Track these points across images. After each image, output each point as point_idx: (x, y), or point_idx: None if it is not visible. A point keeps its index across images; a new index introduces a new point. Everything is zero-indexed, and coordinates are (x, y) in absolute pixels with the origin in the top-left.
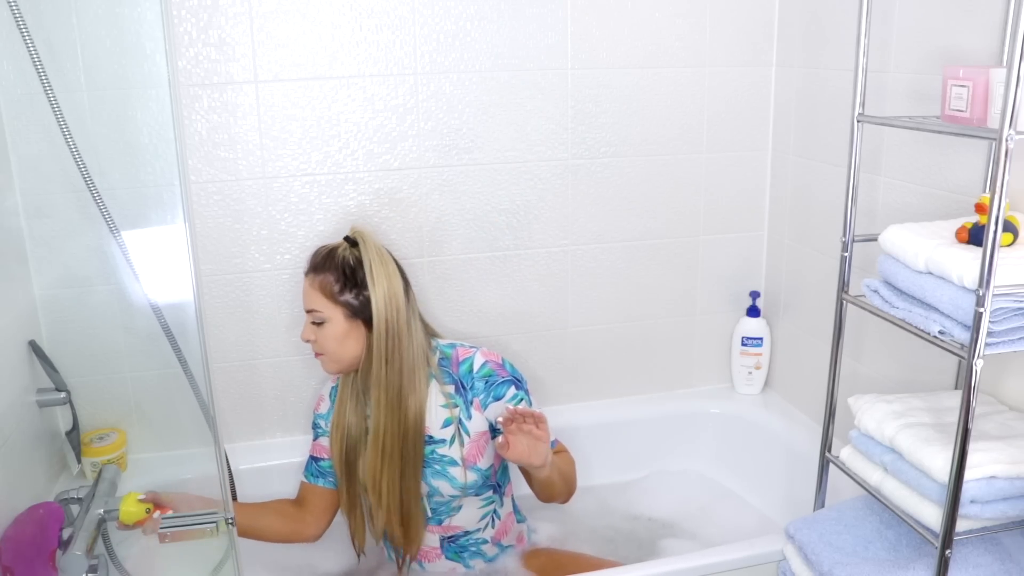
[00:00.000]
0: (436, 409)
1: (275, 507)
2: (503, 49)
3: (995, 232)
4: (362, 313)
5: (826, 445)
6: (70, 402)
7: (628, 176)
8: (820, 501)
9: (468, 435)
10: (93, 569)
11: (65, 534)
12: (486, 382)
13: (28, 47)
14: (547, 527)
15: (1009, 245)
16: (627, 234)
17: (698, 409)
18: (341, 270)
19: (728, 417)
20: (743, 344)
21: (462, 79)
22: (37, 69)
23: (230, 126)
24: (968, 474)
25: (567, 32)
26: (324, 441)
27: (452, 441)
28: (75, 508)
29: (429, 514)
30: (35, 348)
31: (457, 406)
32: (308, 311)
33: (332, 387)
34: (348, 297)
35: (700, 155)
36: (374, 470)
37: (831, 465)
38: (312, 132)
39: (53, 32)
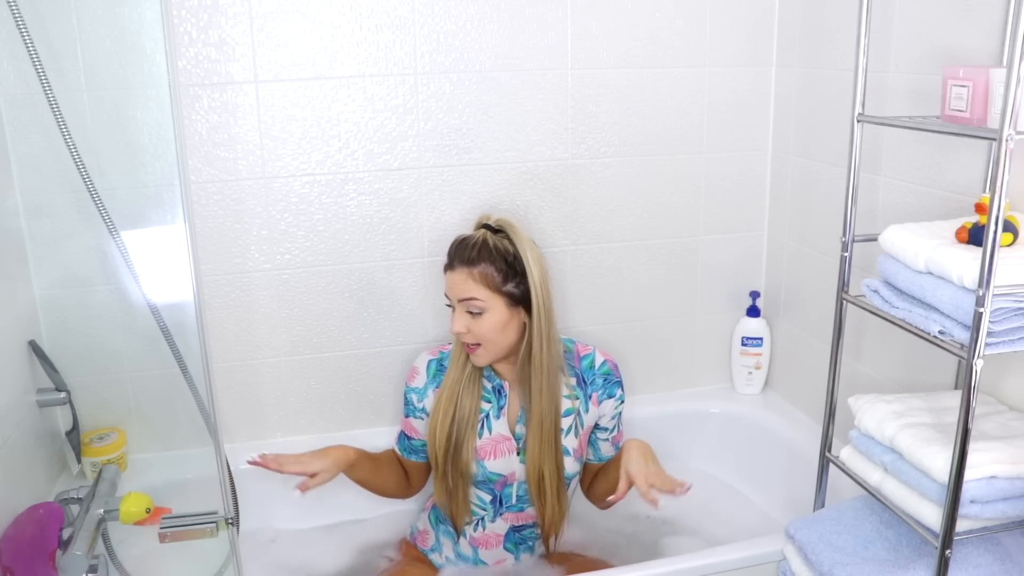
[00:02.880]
0: (561, 398)
1: (397, 473)
2: (503, 49)
3: (995, 232)
4: (522, 301)
5: (826, 445)
6: (70, 402)
7: (628, 176)
8: (820, 501)
9: (583, 427)
10: (93, 569)
11: (65, 534)
12: (605, 379)
13: (28, 47)
14: (567, 528)
15: (1009, 245)
16: (627, 234)
17: (698, 409)
18: (503, 260)
19: (728, 417)
20: (743, 344)
21: (462, 79)
22: (37, 69)
23: (230, 126)
24: (968, 474)
25: (567, 32)
26: (414, 421)
27: (569, 431)
28: (75, 508)
29: (514, 500)
30: (35, 348)
31: (578, 398)
32: (464, 300)
33: (431, 360)
34: (510, 287)
35: (700, 155)
36: (537, 457)
37: (831, 465)
38: (312, 132)
39: (53, 32)
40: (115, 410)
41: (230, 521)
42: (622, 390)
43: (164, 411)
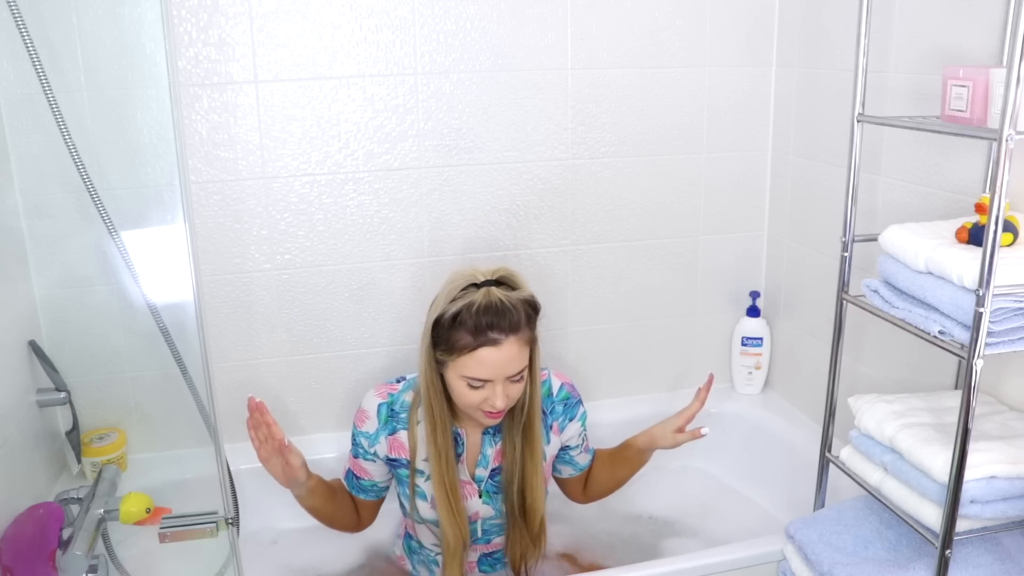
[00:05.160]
0: None
1: (350, 506)
2: (503, 49)
3: (995, 232)
4: (533, 346)
5: (826, 445)
6: (70, 402)
7: (628, 176)
8: (820, 501)
9: (545, 458)
10: (93, 569)
11: (65, 534)
12: (565, 405)
13: (28, 47)
14: (554, 527)
15: (1009, 245)
16: (627, 234)
17: None
18: (534, 310)
19: (728, 417)
20: (743, 344)
21: (462, 79)
22: (37, 69)
23: (230, 126)
24: (968, 474)
25: (567, 32)
26: (364, 463)
27: None
28: (75, 508)
29: (480, 534)
30: (35, 348)
31: None
32: (514, 375)
33: (381, 404)
34: (533, 340)
35: (700, 155)
36: (522, 485)
37: (831, 465)
38: (312, 132)
39: (53, 32)
40: (115, 410)
41: (230, 521)
42: (583, 407)
43: (164, 411)
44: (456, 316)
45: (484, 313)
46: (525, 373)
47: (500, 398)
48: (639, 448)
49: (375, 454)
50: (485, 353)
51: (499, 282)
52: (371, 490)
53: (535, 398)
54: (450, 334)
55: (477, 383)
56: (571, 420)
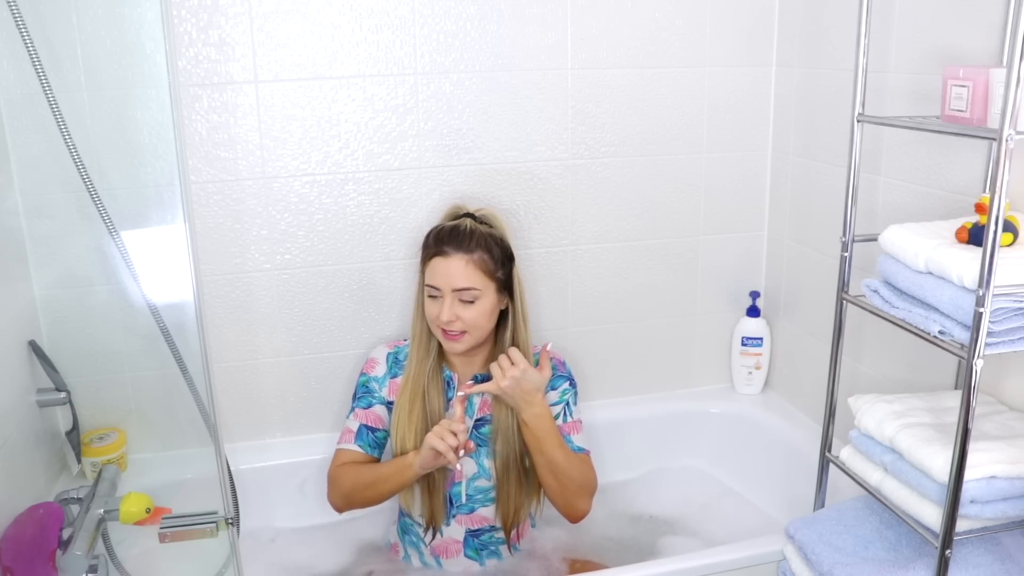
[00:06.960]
0: None
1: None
2: (503, 49)
3: (995, 232)
4: (507, 286)
5: (826, 445)
6: (70, 402)
7: (628, 176)
8: (820, 501)
9: None
10: (93, 569)
11: (65, 534)
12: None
13: (28, 47)
14: (551, 530)
15: (1009, 245)
16: (627, 234)
17: (698, 409)
18: (498, 246)
19: (728, 417)
20: (743, 344)
21: (462, 79)
22: (37, 69)
23: (230, 126)
24: (968, 474)
25: (567, 32)
26: (378, 409)
27: None
28: (75, 508)
29: (463, 500)
30: (35, 348)
31: None
32: (460, 290)
33: (388, 352)
34: (500, 272)
35: (700, 155)
36: (512, 441)
37: (831, 465)
38: (312, 132)
39: (53, 32)
40: (115, 410)
41: (230, 521)
42: (569, 384)
43: (164, 411)
44: (429, 233)
45: (447, 232)
46: (477, 296)
47: (446, 311)
48: (520, 421)
49: (382, 398)
50: (436, 261)
51: (479, 220)
52: (384, 443)
53: (519, 338)
54: (423, 248)
55: (432, 292)
56: (552, 389)
